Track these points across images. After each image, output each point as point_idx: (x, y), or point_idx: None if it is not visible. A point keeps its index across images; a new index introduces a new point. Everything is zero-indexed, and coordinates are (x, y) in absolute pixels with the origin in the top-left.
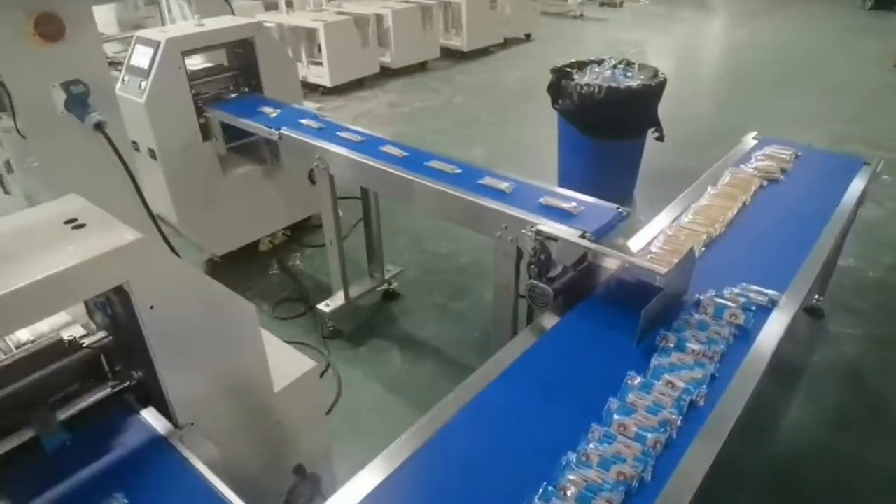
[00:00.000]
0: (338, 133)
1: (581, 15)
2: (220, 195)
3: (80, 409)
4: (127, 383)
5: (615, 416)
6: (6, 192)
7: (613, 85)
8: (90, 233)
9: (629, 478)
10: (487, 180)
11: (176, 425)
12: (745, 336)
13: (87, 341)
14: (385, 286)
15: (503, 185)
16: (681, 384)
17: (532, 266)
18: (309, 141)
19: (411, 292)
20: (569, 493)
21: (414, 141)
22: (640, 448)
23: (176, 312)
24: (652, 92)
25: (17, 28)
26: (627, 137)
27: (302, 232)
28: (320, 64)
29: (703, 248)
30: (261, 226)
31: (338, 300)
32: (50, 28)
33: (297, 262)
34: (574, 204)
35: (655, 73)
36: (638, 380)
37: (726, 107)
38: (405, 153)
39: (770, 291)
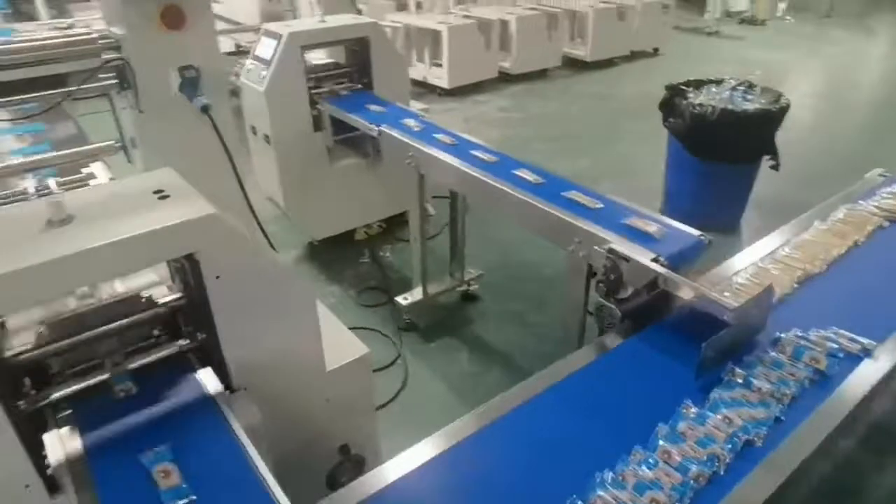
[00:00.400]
0: (434, 135)
1: (716, 32)
2: (325, 183)
3: (149, 361)
4: (191, 343)
5: (661, 442)
6: (129, 162)
7: (729, 107)
8: (171, 204)
9: None
10: (572, 194)
11: (229, 388)
12: (824, 383)
13: (162, 300)
14: (465, 287)
15: (586, 200)
16: (739, 421)
17: (601, 284)
18: (404, 139)
19: (491, 297)
20: None
21: (521, 148)
22: (680, 478)
23: (239, 284)
24: (770, 117)
25: (146, 17)
26: (739, 162)
27: (396, 226)
28: (440, 66)
29: (797, 285)
30: (358, 216)
31: (416, 295)
32: (173, 18)
33: (388, 254)
34: (657, 227)
35: (777, 97)
36: (693, 409)
37: (864, 141)
38: (494, 158)
39: (864, 339)
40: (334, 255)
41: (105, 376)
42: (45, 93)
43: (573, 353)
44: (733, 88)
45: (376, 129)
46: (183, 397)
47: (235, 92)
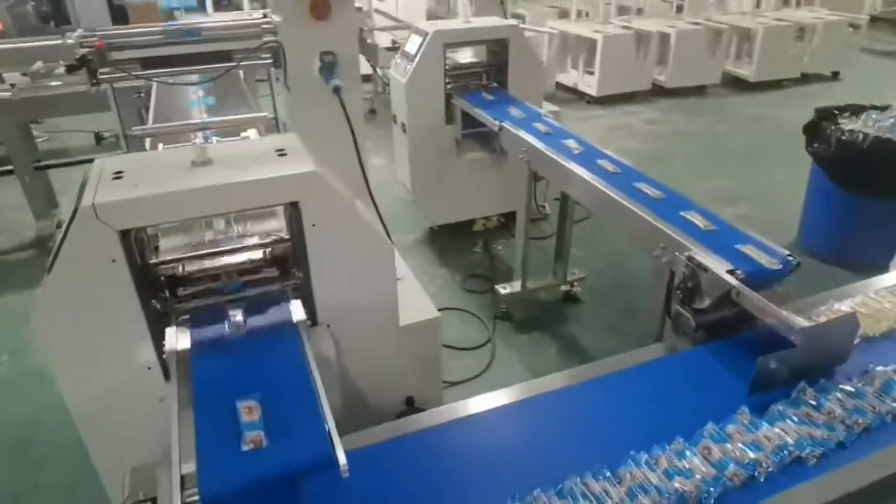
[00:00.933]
0: (550, 135)
1: None
2: (450, 173)
3: (257, 292)
4: (291, 281)
5: (704, 439)
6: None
7: (885, 136)
8: (286, 161)
9: (688, 493)
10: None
11: (314, 322)
12: None
13: (273, 242)
14: (567, 287)
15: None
16: (794, 435)
17: (678, 291)
18: (520, 135)
19: (592, 300)
20: (622, 482)
21: (660, 162)
22: (714, 473)
23: (330, 234)
24: None
25: (299, 7)
26: (892, 198)
27: (514, 222)
28: (592, 73)
29: None
30: (479, 207)
31: (515, 286)
32: (321, 10)
33: (500, 248)
34: (749, 246)
35: None
36: (748, 416)
37: None
38: (612, 166)
39: None
40: (451, 241)
41: (221, 298)
42: (217, 65)
43: (641, 349)
44: None
45: (498, 124)
46: (274, 320)
47: (387, 83)
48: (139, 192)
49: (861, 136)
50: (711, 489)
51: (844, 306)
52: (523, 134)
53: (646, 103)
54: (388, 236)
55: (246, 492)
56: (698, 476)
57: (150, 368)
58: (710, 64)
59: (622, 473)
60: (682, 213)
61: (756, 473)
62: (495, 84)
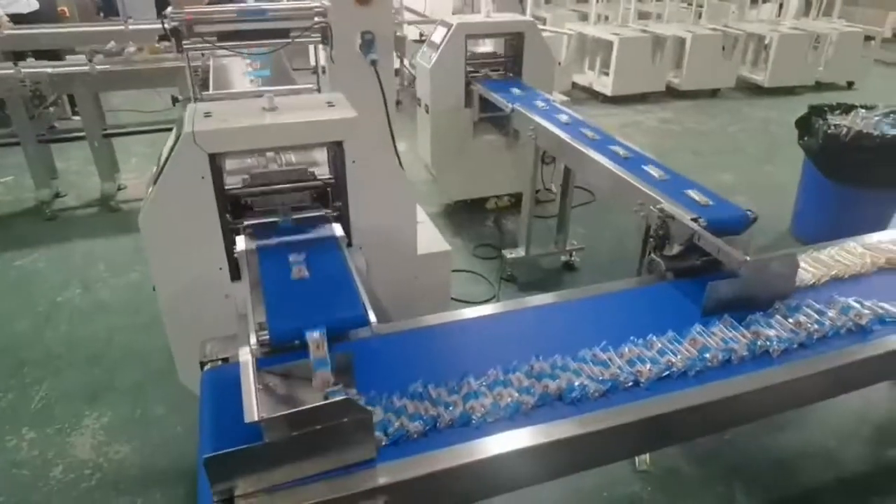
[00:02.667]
0: (555, 115)
1: None
2: (467, 153)
3: (305, 216)
4: (332, 210)
5: (694, 332)
6: None
7: (866, 131)
8: (334, 110)
9: (675, 366)
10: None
11: (350, 244)
12: (862, 333)
13: (319, 175)
14: (567, 257)
15: (657, 172)
16: (767, 334)
17: (651, 239)
18: (529, 115)
19: (589, 270)
20: (623, 355)
21: (667, 157)
22: (696, 354)
23: (366, 170)
24: None
25: None
26: (873, 188)
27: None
28: (608, 74)
29: (876, 269)
30: (492, 186)
31: (519, 252)
32: None
33: (509, 224)
34: (708, 199)
35: None
36: (730, 321)
37: None
38: (595, 135)
39: None
40: (465, 216)
41: (277, 218)
42: (277, 41)
43: (617, 280)
44: (885, 115)
45: (510, 106)
46: (320, 234)
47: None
48: (226, 125)
49: (846, 130)
50: (693, 366)
51: (824, 255)
52: (531, 113)
53: (659, 104)
54: None
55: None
56: (684, 355)
57: (220, 269)
58: (725, 68)
59: (623, 349)
60: (653, 173)
61: (731, 358)
62: (511, 74)
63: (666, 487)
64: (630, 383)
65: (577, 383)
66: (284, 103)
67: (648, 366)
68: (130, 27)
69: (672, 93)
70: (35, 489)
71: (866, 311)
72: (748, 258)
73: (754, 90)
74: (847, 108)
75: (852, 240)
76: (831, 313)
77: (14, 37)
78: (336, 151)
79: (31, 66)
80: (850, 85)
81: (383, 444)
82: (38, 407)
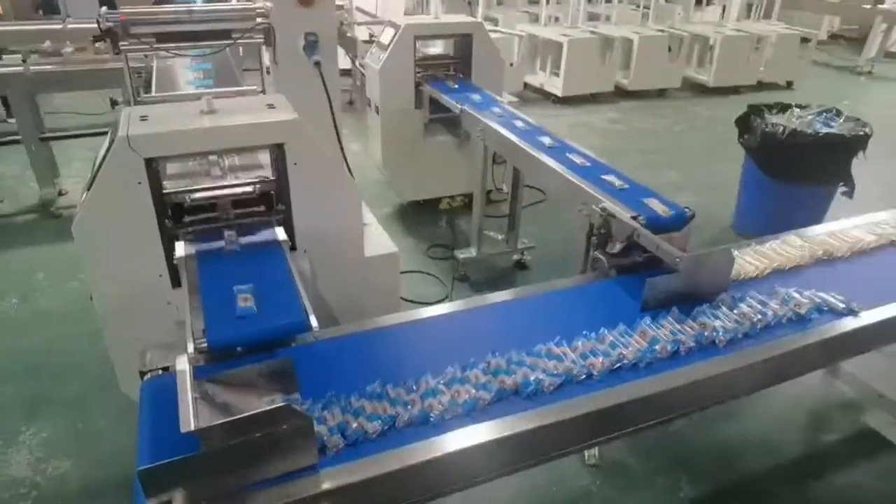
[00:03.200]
0: (504, 117)
1: (869, 72)
2: (418, 154)
3: (248, 221)
4: (276, 213)
5: (644, 324)
6: None
7: (801, 129)
8: (275, 112)
9: (626, 358)
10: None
11: (294, 248)
12: (801, 322)
13: (262, 178)
14: (518, 256)
15: (603, 175)
16: (713, 325)
17: (594, 238)
18: (478, 116)
19: (540, 268)
20: (576, 349)
21: (615, 156)
22: (646, 346)
23: (308, 172)
24: (843, 143)
25: None
26: (808, 185)
27: None
28: (558, 75)
29: (813, 261)
30: (444, 187)
31: (471, 252)
32: None
33: (463, 224)
34: (653, 199)
35: (860, 126)
36: (678, 315)
37: None
38: (553, 142)
39: (854, 303)
40: (418, 216)
41: (218, 222)
42: (218, 42)
43: (561, 279)
44: (818, 114)
45: (459, 107)
46: (262, 239)
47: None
48: (162, 129)
49: (782, 128)
50: (644, 357)
51: (766, 248)
52: (480, 114)
53: (608, 104)
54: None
55: (241, 343)
56: (635, 347)
57: (161, 276)
58: (672, 69)
59: (577, 342)
60: (601, 176)
61: (679, 349)
62: (461, 74)
63: (614, 480)
64: (583, 376)
65: (532, 378)
66: (224, 106)
67: (601, 358)
68: (69, 26)
69: (621, 93)
70: None
71: (805, 301)
72: (684, 254)
73: (700, 90)
74: (783, 108)
75: (793, 233)
76: (774, 304)
77: None
78: (278, 154)
79: None
80: (789, 85)
81: (340, 447)
82: None
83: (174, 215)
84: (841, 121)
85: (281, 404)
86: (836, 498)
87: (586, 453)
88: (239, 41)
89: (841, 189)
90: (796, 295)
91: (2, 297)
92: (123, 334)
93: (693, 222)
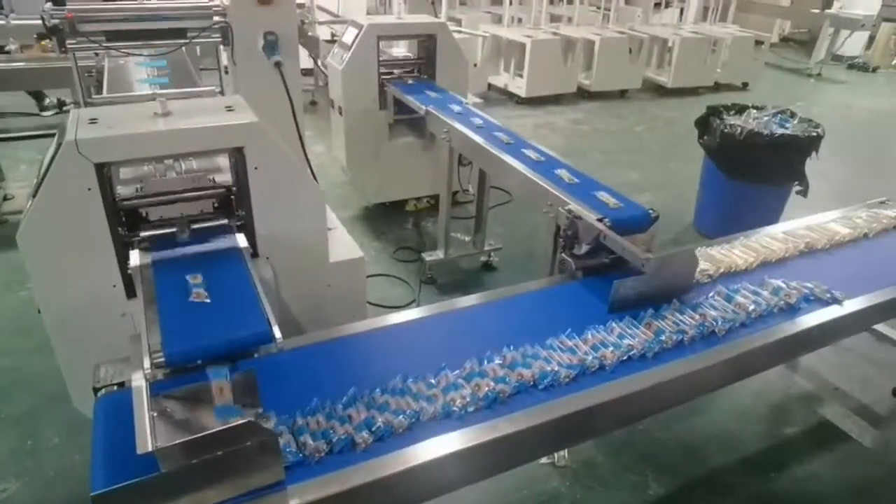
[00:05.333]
0: (470, 118)
1: (818, 74)
2: (383, 155)
3: (206, 225)
4: (236, 219)
5: (647, 317)
6: None
7: (757, 130)
8: (233, 114)
9: (635, 349)
10: (560, 171)
11: (255, 255)
12: (791, 310)
13: (220, 182)
14: (486, 257)
15: (567, 176)
16: (711, 315)
17: (561, 239)
18: (443, 118)
19: (507, 269)
20: (587, 341)
21: (577, 156)
22: (653, 337)
23: (269, 176)
24: (797, 144)
25: None
26: (764, 184)
27: None
28: (521, 76)
29: (798, 254)
30: (410, 189)
31: (438, 254)
32: None
33: (430, 226)
34: (615, 201)
35: (813, 127)
36: (678, 305)
37: None
38: (509, 139)
39: (836, 292)
40: (384, 219)
41: (175, 229)
42: (173, 41)
43: (529, 282)
44: (773, 115)
45: (424, 108)
46: (221, 246)
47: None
48: (112, 132)
49: (740, 129)
50: (651, 348)
51: (736, 247)
52: (445, 116)
53: (571, 105)
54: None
55: (200, 356)
56: (642, 339)
57: (114, 286)
58: (632, 70)
59: (587, 335)
60: (559, 174)
61: (684, 339)
62: (425, 76)
63: (583, 480)
64: (548, 380)
65: (487, 391)
66: (179, 108)
67: (566, 371)
68: (13, 22)
69: (583, 94)
70: None
71: (795, 293)
72: (650, 256)
73: (659, 91)
74: (741, 109)
75: (754, 232)
76: (765, 293)
77: None
78: (237, 158)
79: None
80: (744, 86)
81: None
82: None
83: (128, 222)
84: (795, 122)
85: (242, 420)
86: (796, 488)
87: (556, 455)
88: (195, 41)
89: (796, 188)
90: (784, 285)
91: None
92: (75, 348)
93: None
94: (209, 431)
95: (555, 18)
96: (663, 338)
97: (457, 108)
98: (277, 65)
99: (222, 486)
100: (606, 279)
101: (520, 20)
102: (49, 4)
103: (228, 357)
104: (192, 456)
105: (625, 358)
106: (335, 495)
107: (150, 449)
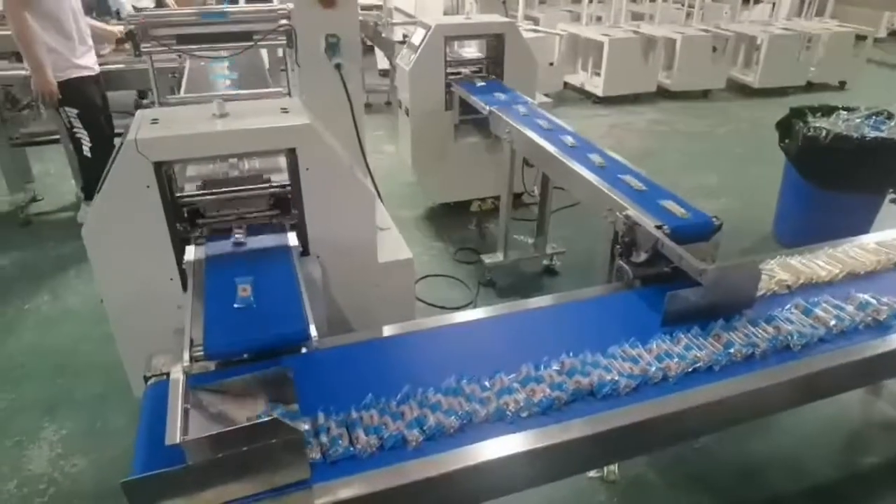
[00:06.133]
0: (534, 119)
1: None
2: (448, 156)
3: (262, 222)
4: (289, 217)
5: (717, 329)
6: None
7: (846, 133)
8: (288, 116)
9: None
10: (627, 177)
11: (307, 253)
12: (879, 327)
13: (276, 182)
14: (547, 261)
15: (632, 181)
16: (787, 329)
17: (618, 246)
18: (505, 118)
19: (569, 274)
20: (651, 351)
21: (654, 158)
22: (721, 349)
23: (320, 177)
24: (892, 148)
25: None
26: (854, 191)
27: None
28: (599, 75)
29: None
30: (475, 189)
31: (498, 257)
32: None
33: (493, 227)
34: (683, 211)
35: None
36: (751, 315)
37: None
38: (574, 142)
39: None
40: (448, 219)
41: (231, 226)
42: (239, 44)
43: (586, 289)
44: (867, 117)
45: (487, 109)
46: (273, 244)
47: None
48: (170, 132)
49: (824, 132)
50: (719, 360)
51: (799, 261)
52: (508, 116)
53: (651, 105)
54: (376, 188)
55: (240, 351)
56: (709, 351)
57: (171, 280)
58: (715, 70)
59: (651, 345)
60: (622, 178)
61: (755, 353)
62: (493, 76)
63: (632, 498)
64: (607, 389)
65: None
66: (237, 109)
67: (626, 381)
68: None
69: (663, 93)
70: None
71: (884, 308)
72: (708, 266)
73: (745, 91)
74: (829, 110)
75: (841, 242)
76: (850, 308)
77: None
78: (291, 158)
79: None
80: (842, 85)
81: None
82: None
83: (190, 218)
84: (892, 124)
85: (268, 418)
86: None
87: (605, 469)
88: (261, 43)
89: (890, 196)
90: (873, 301)
91: (35, 295)
92: (134, 338)
93: (732, 230)
94: (234, 427)
95: (636, 16)
96: (732, 350)
97: (522, 108)
98: (337, 67)
99: (247, 481)
100: (664, 290)
101: (599, 18)
102: (129, 9)
103: (269, 353)
104: (218, 450)
105: (690, 370)
106: (360, 497)
107: (177, 441)
